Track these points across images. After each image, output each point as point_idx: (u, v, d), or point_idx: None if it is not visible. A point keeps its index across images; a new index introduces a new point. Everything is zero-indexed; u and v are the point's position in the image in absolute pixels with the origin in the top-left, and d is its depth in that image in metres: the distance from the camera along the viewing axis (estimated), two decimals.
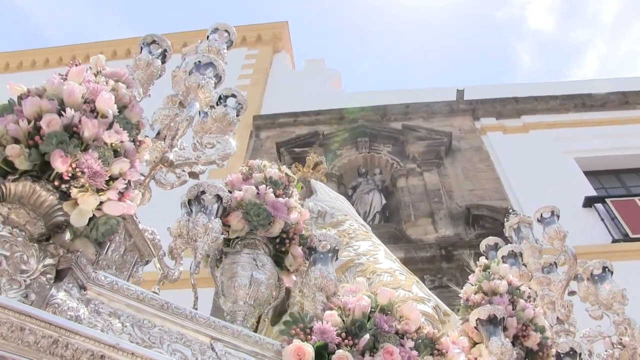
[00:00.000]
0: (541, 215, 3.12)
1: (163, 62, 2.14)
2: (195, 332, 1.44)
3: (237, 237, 1.92)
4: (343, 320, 1.63)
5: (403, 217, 7.56)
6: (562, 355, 2.27)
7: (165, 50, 2.16)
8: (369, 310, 1.66)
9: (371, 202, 7.92)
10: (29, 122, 1.30)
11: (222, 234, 1.81)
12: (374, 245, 3.25)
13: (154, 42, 2.14)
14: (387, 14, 32.98)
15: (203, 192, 1.81)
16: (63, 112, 1.33)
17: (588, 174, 8.44)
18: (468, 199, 7.81)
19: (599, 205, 7.66)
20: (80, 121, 1.33)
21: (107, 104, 1.42)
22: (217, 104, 2.23)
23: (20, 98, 1.37)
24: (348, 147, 8.95)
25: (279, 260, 1.97)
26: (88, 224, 1.30)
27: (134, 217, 1.70)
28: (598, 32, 33.25)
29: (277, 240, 1.95)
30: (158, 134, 1.94)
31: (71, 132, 1.31)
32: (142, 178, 1.75)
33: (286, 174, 2.20)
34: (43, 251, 1.25)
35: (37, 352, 1.09)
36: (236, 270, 1.82)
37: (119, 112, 1.47)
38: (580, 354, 2.27)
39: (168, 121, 1.98)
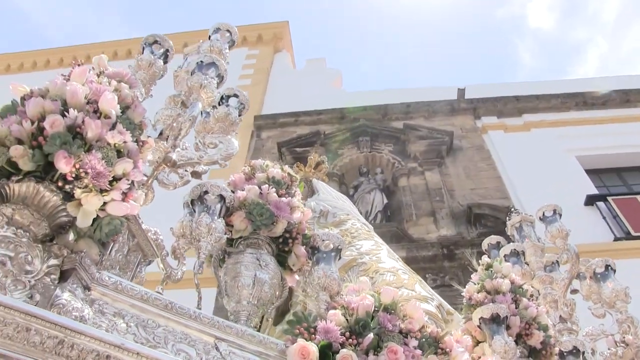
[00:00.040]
0: (543, 214, 3.12)
1: (165, 62, 2.15)
2: (199, 332, 1.44)
3: (240, 237, 1.92)
4: (347, 320, 1.63)
5: (405, 217, 7.55)
6: (565, 354, 2.27)
7: (167, 51, 2.16)
8: (372, 310, 1.66)
9: (373, 201, 7.92)
10: (33, 122, 1.30)
11: (225, 233, 1.81)
12: (376, 245, 3.25)
13: (155, 42, 2.14)
14: (388, 13, 32.98)
15: (206, 192, 1.81)
16: (66, 113, 1.33)
17: (590, 172, 8.43)
18: (470, 198, 7.81)
19: (601, 204, 7.65)
20: (83, 122, 1.33)
21: (110, 104, 1.42)
22: (219, 104, 2.23)
23: (23, 99, 1.37)
24: (349, 146, 8.95)
25: (282, 259, 1.96)
26: (92, 225, 1.31)
27: (137, 218, 1.70)
28: (599, 30, 33.24)
29: (280, 240, 1.95)
30: (160, 134, 1.94)
31: (74, 132, 1.31)
32: (145, 178, 1.75)
33: (289, 173, 2.20)
34: (47, 252, 1.25)
35: (42, 353, 1.09)
36: (239, 270, 1.81)
37: (121, 112, 1.47)
38: (583, 352, 2.27)
39: (170, 121, 1.98)
